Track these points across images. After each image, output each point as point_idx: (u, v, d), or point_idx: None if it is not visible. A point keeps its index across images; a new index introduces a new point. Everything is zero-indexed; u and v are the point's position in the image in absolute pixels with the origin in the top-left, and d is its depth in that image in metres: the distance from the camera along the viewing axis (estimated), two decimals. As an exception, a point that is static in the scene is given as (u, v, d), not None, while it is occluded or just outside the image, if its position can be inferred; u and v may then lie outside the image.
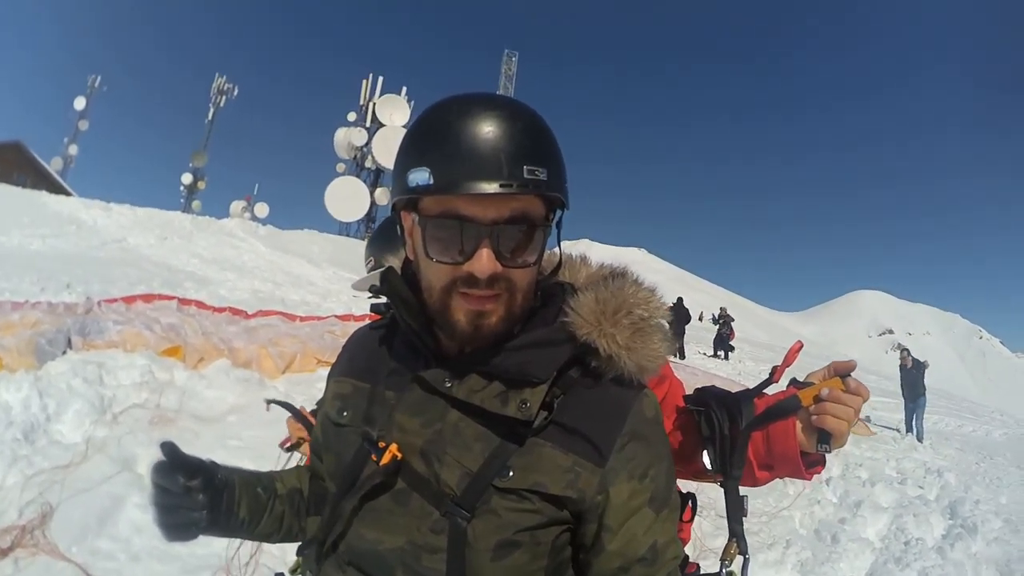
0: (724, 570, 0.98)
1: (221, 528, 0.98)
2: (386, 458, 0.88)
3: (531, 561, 0.87)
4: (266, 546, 3.20)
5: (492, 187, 0.79)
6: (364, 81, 35.59)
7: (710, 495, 2.27)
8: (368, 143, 34.28)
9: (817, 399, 0.98)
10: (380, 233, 2.21)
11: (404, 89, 35.86)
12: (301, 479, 1.15)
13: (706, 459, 1.09)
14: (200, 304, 8.06)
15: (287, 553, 3.12)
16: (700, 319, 35.47)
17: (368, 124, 34.89)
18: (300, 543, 1.08)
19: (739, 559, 1.02)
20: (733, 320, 21.56)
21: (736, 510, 1.04)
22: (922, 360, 13.82)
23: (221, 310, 7.99)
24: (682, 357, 17.77)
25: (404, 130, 0.93)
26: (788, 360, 1.09)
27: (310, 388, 5.77)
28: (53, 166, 39.16)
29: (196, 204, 42.37)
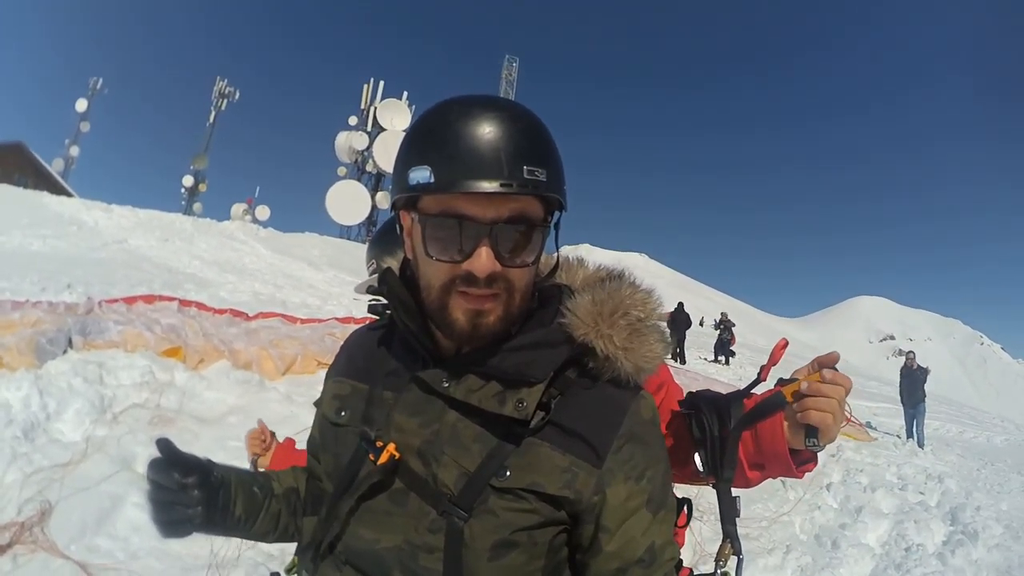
0: (719, 570, 0.98)
1: (216, 526, 0.98)
2: (384, 457, 0.89)
3: (528, 562, 0.87)
4: (266, 546, 3.21)
5: (492, 186, 0.79)
6: (365, 85, 35.71)
7: (709, 499, 2.26)
8: (369, 147, 34.36)
9: (798, 395, 0.98)
10: (381, 236, 2.21)
11: (405, 94, 35.98)
12: (298, 479, 1.15)
13: (698, 462, 1.10)
14: (201, 305, 8.06)
15: (286, 554, 3.12)
16: (701, 324, 35.46)
17: (369, 128, 34.97)
18: (298, 543, 1.08)
19: (734, 559, 1.02)
20: (734, 325, 21.57)
21: (729, 511, 1.04)
22: (924, 367, 13.80)
23: (222, 312, 7.98)
24: (683, 362, 17.77)
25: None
26: (774, 358, 1.09)
27: (310, 390, 5.77)
28: (54, 167, 39.23)
29: (197, 206, 42.51)
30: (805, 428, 0.97)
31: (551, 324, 0.92)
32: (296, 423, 4.33)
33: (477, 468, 0.86)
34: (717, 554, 1.02)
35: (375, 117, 34.70)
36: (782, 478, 1.12)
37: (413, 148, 0.85)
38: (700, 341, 24.11)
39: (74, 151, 45.10)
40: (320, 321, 8.63)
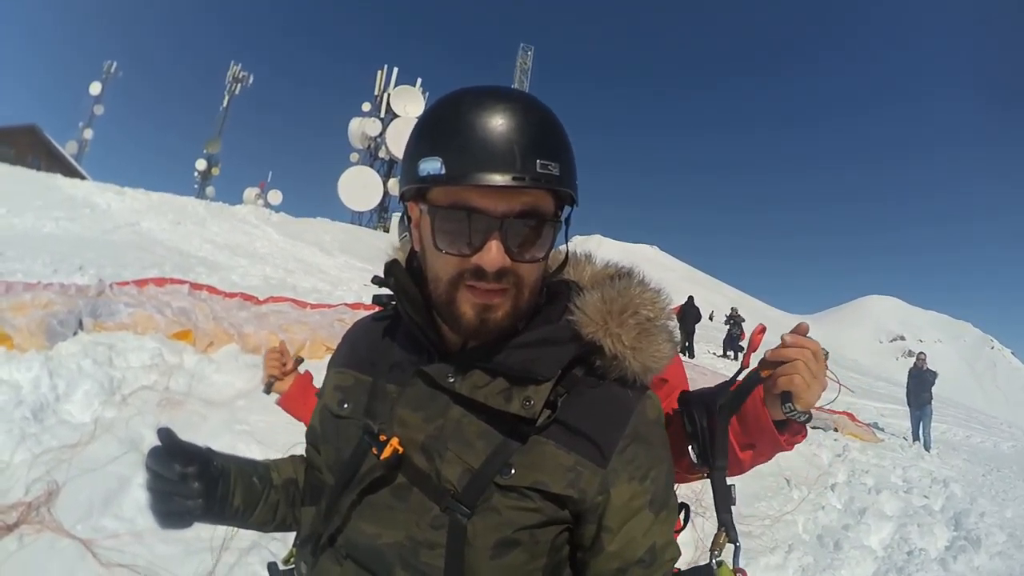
0: (714, 560, 0.97)
1: (215, 516, 0.98)
2: (387, 452, 0.88)
3: (529, 560, 0.87)
4: (266, 537, 3.23)
5: (505, 179, 0.78)
6: (379, 72, 35.69)
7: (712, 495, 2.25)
8: (382, 133, 34.39)
9: (768, 365, 1.00)
10: None
11: (419, 81, 35.95)
12: (297, 469, 1.15)
13: (692, 455, 1.10)
14: (211, 289, 8.09)
15: (288, 546, 3.14)
16: (711, 318, 35.32)
17: (382, 115, 34.99)
18: (296, 535, 1.08)
19: (730, 547, 1.01)
20: (744, 320, 21.48)
21: (724, 500, 1.03)
22: (933, 370, 13.70)
23: (232, 295, 8.01)
24: (692, 356, 17.74)
25: (418, 121, 0.92)
26: (753, 344, 1.10)
27: (319, 375, 5.76)
28: (68, 150, 39.47)
29: (210, 190, 42.65)
30: (781, 396, 0.98)
31: (559, 321, 0.91)
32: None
33: (481, 465, 0.85)
34: (712, 543, 1.01)
35: (388, 104, 34.70)
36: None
37: (424, 138, 0.84)
38: (710, 335, 24.00)
39: (88, 134, 45.37)
40: (330, 307, 8.66)
